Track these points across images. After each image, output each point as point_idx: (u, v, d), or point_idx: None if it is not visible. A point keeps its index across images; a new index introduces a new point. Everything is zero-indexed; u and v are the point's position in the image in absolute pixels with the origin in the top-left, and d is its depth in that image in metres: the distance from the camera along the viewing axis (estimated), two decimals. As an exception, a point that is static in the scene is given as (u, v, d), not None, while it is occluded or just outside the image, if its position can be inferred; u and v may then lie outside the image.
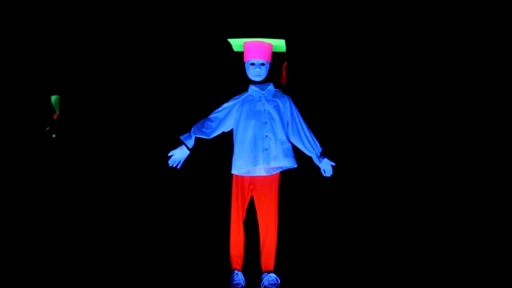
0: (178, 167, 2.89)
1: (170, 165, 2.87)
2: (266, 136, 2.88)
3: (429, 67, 3.60)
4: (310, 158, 2.97)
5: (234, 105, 2.96)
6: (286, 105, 2.97)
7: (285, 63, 2.96)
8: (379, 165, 3.64)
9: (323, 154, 2.95)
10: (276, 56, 2.99)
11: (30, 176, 3.58)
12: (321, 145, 2.97)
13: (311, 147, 2.96)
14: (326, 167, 2.96)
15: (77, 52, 3.61)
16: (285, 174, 2.94)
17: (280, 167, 2.90)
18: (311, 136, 2.97)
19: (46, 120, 3.52)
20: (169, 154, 2.86)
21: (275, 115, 2.91)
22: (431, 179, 3.61)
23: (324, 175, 2.99)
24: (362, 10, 3.60)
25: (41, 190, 3.58)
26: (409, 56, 3.59)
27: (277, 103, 2.94)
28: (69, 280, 2.90)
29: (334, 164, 2.94)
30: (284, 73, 2.96)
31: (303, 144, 2.96)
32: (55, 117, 3.46)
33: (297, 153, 2.98)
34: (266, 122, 2.89)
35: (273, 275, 2.87)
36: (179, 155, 2.86)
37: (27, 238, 3.43)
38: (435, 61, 3.60)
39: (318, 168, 2.97)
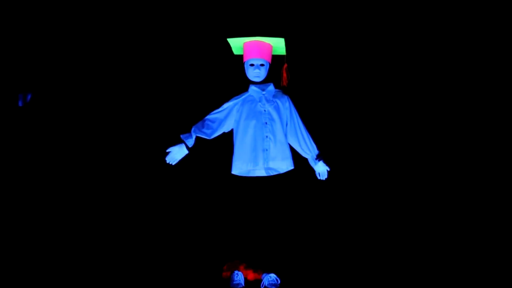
0: (173, 164, 2.89)
1: (167, 162, 2.87)
2: (266, 136, 2.88)
3: (429, 67, 3.61)
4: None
5: (235, 105, 2.96)
6: (286, 105, 2.97)
7: (285, 65, 2.96)
8: (377, 167, 3.64)
9: (319, 157, 2.96)
10: (276, 57, 3.00)
11: (27, 173, 3.57)
12: (318, 148, 2.98)
13: (307, 149, 2.97)
14: (321, 170, 2.97)
15: (77, 52, 3.60)
16: (284, 175, 2.93)
17: (278, 172, 2.90)
18: (308, 137, 2.98)
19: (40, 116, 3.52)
20: (167, 151, 2.86)
21: (275, 115, 2.92)
22: (429, 184, 3.61)
23: (319, 178, 3.00)
24: (362, 10, 3.60)
25: (38, 187, 3.57)
26: (409, 57, 3.61)
27: (277, 104, 2.95)
28: (65, 279, 2.88)
29: (329, 169, 2.95)
30: (284, 75, 2.96)
31: (300, 145, 2.97)
32: None
33: (296, 155, 2.98)
34: (266, 123, 2.90)
35: (273, 275, 2.87)
36: (176, 153, 2.86)
37: (26, 238, 3.42)
38: (435, 61, 3.61)
39: (313, 170, 2.99)
